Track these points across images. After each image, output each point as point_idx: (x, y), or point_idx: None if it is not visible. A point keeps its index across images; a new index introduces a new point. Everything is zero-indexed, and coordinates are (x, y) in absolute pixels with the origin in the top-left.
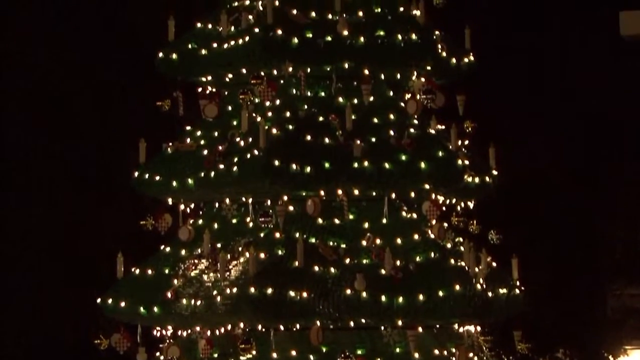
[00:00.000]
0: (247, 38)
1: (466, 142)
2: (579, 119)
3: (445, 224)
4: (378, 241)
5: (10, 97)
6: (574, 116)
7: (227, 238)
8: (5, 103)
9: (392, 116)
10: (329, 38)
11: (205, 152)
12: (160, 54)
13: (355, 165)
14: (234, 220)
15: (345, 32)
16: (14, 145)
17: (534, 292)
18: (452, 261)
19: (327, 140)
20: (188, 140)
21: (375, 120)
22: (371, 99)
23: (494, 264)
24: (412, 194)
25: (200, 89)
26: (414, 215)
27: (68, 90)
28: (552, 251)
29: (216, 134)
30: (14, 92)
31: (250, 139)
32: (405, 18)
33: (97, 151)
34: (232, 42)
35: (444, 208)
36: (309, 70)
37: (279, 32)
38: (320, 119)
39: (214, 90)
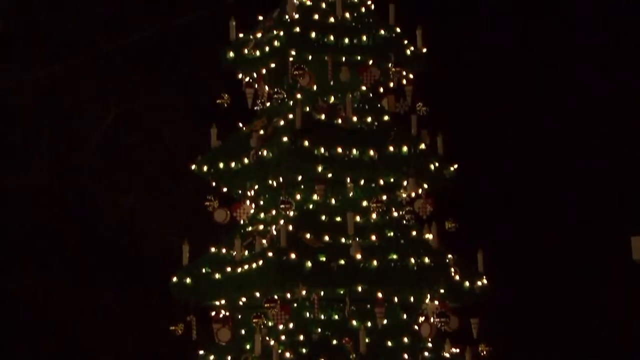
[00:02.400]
0: (260, 262)
1: None
2: None
3: None
4: None
5: None
6: None
7: None
8: None
9: (406, 339)
10: (342, 262)
11: None
12: (174, 278)
13: None
14: None
15: (359, 256)
16: None
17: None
18: None
19: None
20: None
21: (389, 343)
22: (385, 322)
23: None
24: None
25: (213, 313)
26: None
27: None
28: None
29: (229, 358)
30: None
31: None
32: (418, 242)
33: None
34: (246, 267)
35: None
36: (322, 293)
37: (293, 256)
38: (334, 342)
39: (227, 314)
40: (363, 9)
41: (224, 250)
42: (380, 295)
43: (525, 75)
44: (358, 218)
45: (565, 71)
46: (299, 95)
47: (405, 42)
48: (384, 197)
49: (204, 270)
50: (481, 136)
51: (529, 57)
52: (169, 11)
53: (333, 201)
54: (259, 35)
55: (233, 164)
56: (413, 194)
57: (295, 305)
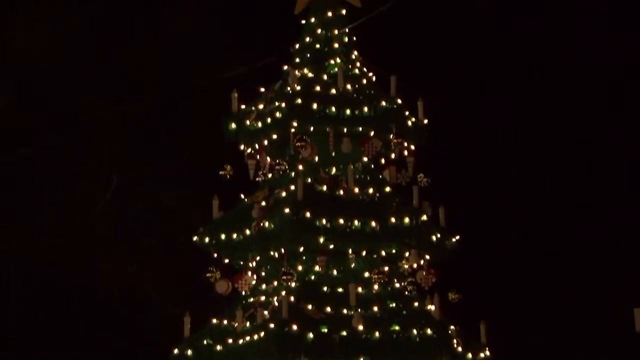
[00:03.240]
0: (262, 334)
1: None
2: None
3: None
4: None
5: None
6: None
7: None
8: None
9: None
10: (344, 333)
11: None
12: (176, 350)
13: None
14: None
15: (361, 327)
16: None
17: None
18: None
19: None
20: None
21: None
22: None
23: None
24: None
25: None
26: None
27: None
28: None
29: None
30: None
31: None
32: (421, 313)
33: None
34: (248, 338)
35: None
36: None
37: (294, 327)
38: None
39: None
40: (364, 81)
41: (225, 322)
42: None
43: (525, 147)
44: (360, 289)
45: (565, 141)
46: (300, 167)
47: (407, 113)
48: (386, 268)
49: (205, 342)
50: (483, 208)
51: (529, 129)
52: (171, 82)
53: (335, 272)
54: (261, 106)
55: (235, 235)
56: (415, 265)
57: None
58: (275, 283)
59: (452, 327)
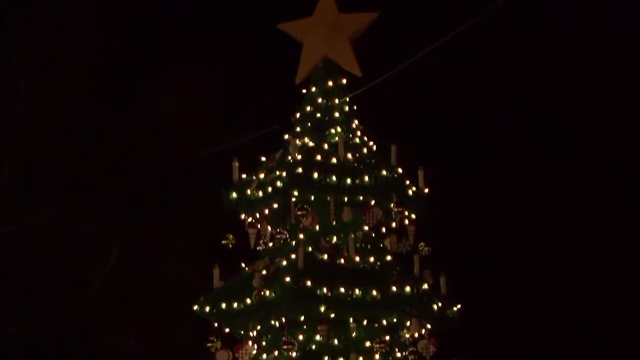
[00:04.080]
0: None
1: None
2: None
3: None
4: None
5: None
6: None
7: None
8: None
9: None
10: None
11: None
12: None
13: None
14: None
15: None
16: None
17: None
18: None
19: None
20: None
21: None
22: None
23: None
24: None
25: None
26: None
27: None
28: None
29: None
30: None
31: None
32: None
33: None
34: None
35: None
36: None
37: None
38: None
39: None
40: (365, 150)
41: None
42: None
43: (525, 217)
44: (361, 359)
45: (565, 200)
46: (301, 236)
47: (408, 182)
48: (387, 338)
49: None
50: (484, 277)
51: (529, 197)
52: (171, 152)
53: (336, 341)
54: (261, 175)
55: (235, 304)
56: (416, 335)
57: None
58: (276, 353)
59: None
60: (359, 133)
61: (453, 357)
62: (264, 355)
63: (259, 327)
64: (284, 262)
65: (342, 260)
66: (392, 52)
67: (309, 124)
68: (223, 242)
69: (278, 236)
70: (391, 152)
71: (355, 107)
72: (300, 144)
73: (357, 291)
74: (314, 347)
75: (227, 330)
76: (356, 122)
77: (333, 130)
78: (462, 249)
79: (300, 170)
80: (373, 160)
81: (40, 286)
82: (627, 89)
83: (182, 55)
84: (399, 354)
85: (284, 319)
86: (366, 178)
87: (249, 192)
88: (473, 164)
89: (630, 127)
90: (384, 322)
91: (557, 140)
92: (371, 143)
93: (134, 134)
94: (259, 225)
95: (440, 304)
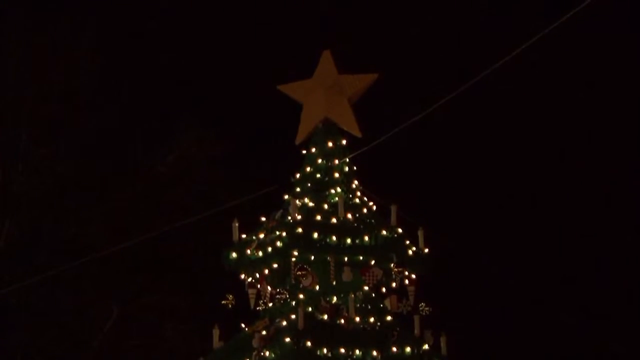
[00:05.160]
0: None
1: None
2: None
3: None
4: None
5: None
6: None
7: None
8: None
9: None
10: None
11: None
12: None
13: None
14: None
15: None
16: None
17: None
18: None
19: None
20: None
21: None
22: None
23: None
24: None
25: None
26: None
27: None
28: None
29: None
30: None
31: None
32: None
33: None
34: None
35: None
36: None
37: None
38: None
39: None
40: (365, 210)
41: None
42: None
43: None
44: None
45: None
46: (301, 296)
47: (407, 242)
48: None
49: None
50: (484, 336)
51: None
52: (171, 214)
53: None
54: (261, 236)
55: None
56: None
57: None
58: None
59: None
60: (358, 193)
61: None
62: None
63: None
64: (284, 323)
65: (342, 321)
66: (391, 113)
67: (309, 184)
68: (223, 302)
69: (278, 296)
70: (391, 212)
71: (355, 168)
72: (300, 204)
73: (357, 352)
74: None
75: None
76: (356, 182)
77: (333, 191)
78: (463, 308)
79: (300, 230)
80: (373, 221)
81: (42, 344)
82: None
83: (181, 117)
84: None
85: None
86: (366, 238)
87: (249, 252)
88: (473, 224)
89: None
90: None
91: (550, 194)
92: (371, 203)
93: (134, 195)
94: (258, 285)
95: None
